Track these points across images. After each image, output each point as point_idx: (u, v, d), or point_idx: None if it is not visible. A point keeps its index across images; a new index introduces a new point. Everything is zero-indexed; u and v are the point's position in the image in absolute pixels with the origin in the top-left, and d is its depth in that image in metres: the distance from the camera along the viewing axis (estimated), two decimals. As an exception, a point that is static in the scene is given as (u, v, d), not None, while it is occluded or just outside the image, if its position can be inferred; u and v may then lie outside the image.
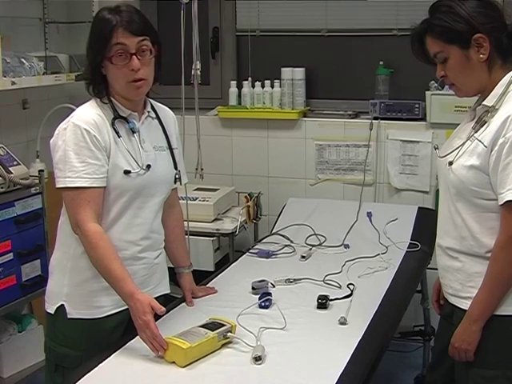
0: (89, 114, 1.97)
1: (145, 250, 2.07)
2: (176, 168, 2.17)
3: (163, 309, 1.88)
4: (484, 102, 1.81)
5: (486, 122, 1.78)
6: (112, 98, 2.02)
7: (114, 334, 2.03)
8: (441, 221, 1.94)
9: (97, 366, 1.82)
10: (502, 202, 1.72)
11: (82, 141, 1.92)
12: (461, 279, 1.86)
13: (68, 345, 2.02)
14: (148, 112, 2.12)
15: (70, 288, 2.02)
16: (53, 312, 2.05)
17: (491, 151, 1.74)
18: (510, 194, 1.70)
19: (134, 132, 2.03)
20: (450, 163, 1.84)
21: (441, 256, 1.93)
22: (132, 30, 1.93)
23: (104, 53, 1.93)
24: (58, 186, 1.93)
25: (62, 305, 2.02)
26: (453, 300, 1.91)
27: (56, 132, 1.98)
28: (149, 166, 2.02)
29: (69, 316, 2.01)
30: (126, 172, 1.97)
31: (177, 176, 2.17)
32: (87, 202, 1.91)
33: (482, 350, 1.83)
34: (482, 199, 1.78)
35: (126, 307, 1.92)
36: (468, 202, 1.81)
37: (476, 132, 1.80)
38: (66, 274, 2.02)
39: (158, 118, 2.17)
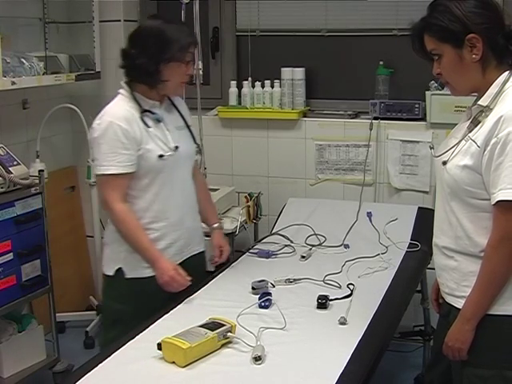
0: (119, 110, 2.30)
1: (184, 216, 2.43)
2: (195, 142, 2.52)
3: (187, 278, 2.28)
4: (479, 102, 1.81)
5: (480, 122, 1.78)
6: (135, 93, 2.34)
7: (159, 295, 2.31)
8: (437, 220, 1.94)
9: (97, 366, 1.82)
10: (493, 202, 1.72)
11: (114, 134, 2.25)
12: (456, 278, 1.86)
13: (124, 301, 2.34)
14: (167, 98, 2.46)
15: (126, 253, 2.35)
16: (112, 274, 2.37)
17: (484, 151, 1.74)
18: (501, 194, 1.70)
19: (159, 121, 2.37)
20: (444, 163, 1.84)
21: (437, 255, 1.94)
22: (195, 42, 2.45)
23: (179, 57, 2.29)
24: (96, 173, 2.33)
25: (120, 268, 2.35)
26: (449, 299, 1.92)
27: (91, 128, 2.34)
28: (177, 147, 2.36)
29: (126, 276, 2.35)
30: (160, 156, 2.31)
31: (197, 149, 2.54)
32: (116, 186, 2.27)
33: (477, 350, 1.83)
34: (475, 199, 1.78)
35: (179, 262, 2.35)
36: (462, 201, 1.81)
37: (470, 132, 1.80)
38: (123, 243, 2.34)
39: (170, 100, 2.48)
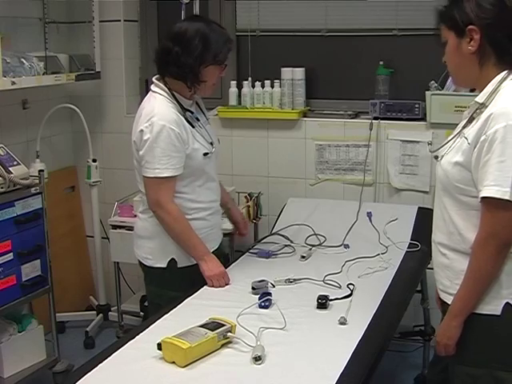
0: (168, 113, 2.38)
1: (218, 207, 2.64)
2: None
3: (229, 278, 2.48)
4: (476, 99, 1.83)
5: (474, 119, 1.80)
6: (174, 93, 2.43)
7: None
8: (434, 216, 1.96)
9: (97, 366, 1.82)
10: (479, 199, 1.74)
11: (168, 137, 2.34)
12: (449, 276, 1.88)
13: (178, 289, 2.43)
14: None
15: (176, 245, 2.47)
16: (165, 266, 2.49)
17: (474, 148, 1.75)
18: (485, 191, 1.71)
19: (198, 119, 2.51)
20: (436, 157, 1.88)
21: (434, 252, 1.96)
22: (232, 47, 2.52)
23: (218, 62, 2.41)
24: (147, 175, 2.39)
25: (173, 258, 2.47)
26: (443, 296, 1.94)
27: (139, 129, 2.39)
28: (212, 143, 2.52)
29: (179, 266, 2.48)
30: (205, 154, 2.46)
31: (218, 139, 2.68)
32: (169, 188, 2.39)
33: (468, 348, 1.85)
34: (465, 196, 1.80)
35: (213, 250, 2.53)
36: (453, 198, 1.83)
37: (465, 128, 1.82)
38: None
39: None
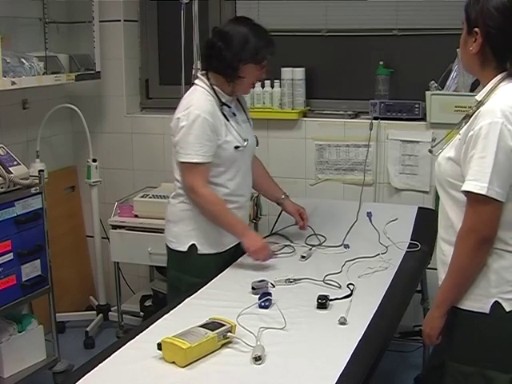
0: (205, 104, 2.52)
1: (247, 201, 2.77)
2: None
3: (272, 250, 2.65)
4: (475, 97, 1.87)
5: (470, 116, 1.83)
6: (214, 87, 2.57)
7: (225, 268, 2.58)
8: (439, 212, 2.02)
9: (97, 366, 1.82)
10: (463, 193, 1.79)
11: (201, 126, 2.47)
12: (446, 271, 1.90)
13: (198, 275, 2.54)
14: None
15: (198, 231, 2.61)
16: (185, 250, 2.61)
17: (463, 143, 1.80)
18: (465, 185, 1.77)
19: (234, 114, 2.64)
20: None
21: (437, 248, 2.00)
22: (274, 50, 2.61)
23: (257, 61, 2.54)
24: (181, 160, 2.52)
25: (194, 244, 2.60)
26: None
27: (177, 116, 2.52)
28: (246, 140, 2.62)
29: (199, 252, 2.60)
30: (236, 147, 2.58)
31: (257, 140, 2.84)
32: (200, 172, 2.52)
33: (458, 345, 1.89)
34: (457, 191, 1.84)
35: (237, 243, 2.65)
36: (447, 192, 1.89)
37: (461, 125, 1.87)
38: (194, 221, 2.60)
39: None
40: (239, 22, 2.65)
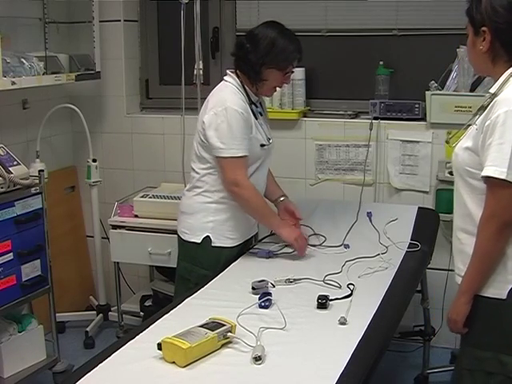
0: (238, 100, 2.59)
1: (263, 192, 2.84)
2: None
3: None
4: (489, 90, 1.94)
5: (485, 108, 1.90)
6: (245, 87, 2.65)
7: (234, 261, 2.65)
8: (454, 202, 2.06)
9: (97, 366, 1.82)
10: (483, 180, 1.85)
11: (241, 120, 2.55)
12: (463, 260, 1.97)
13: (209, 267, 2.61)
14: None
15: (214, 224, 2.66)
16: (199, 241, 2.66)
17: (481, 133, 1.86)
18: (485, 170, 1.82)
19: (261, 114, 2.73)
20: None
21: (453, 238, 2.06)
22: (301, 58, 2.69)
23: (281, 67, 2.61)
24: (224, 155, 2.56)
25: (208, 236, 2.64)
26: (457, 279, 2.03)
27: (212, 112, 2.56)
28: (270, 138, 2.73)
29: (213, 244, 2.65)
30: (262, 145, 2.67)
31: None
32: (243, 166, 2.60)
33: (475, 331, 1.95)
34: (475, 179, 1.90)
35: (246, 239, 2.80)
36: (465, 182, 1.94)
37: (476, 116, 1.94)
38: (211, 213, 2.66)
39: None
40: (270, 25, 2.67)
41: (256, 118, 2.66)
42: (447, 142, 2.12)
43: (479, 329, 1.94)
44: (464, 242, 1.97)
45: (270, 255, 2.74)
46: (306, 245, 2.73)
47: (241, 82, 2.64)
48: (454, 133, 2.15)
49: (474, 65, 2.05)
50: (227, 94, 2.61)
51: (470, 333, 1.98)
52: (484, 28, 1.87)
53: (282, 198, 2.95)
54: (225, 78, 2.69)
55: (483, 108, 1.91)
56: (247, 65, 2.61)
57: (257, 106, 2.71)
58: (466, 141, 1.94)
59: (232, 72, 2.68)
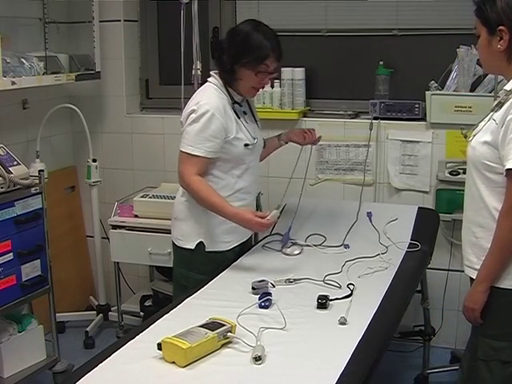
0: (215, 101, 2.54)
1: (254, 200, 2.81)
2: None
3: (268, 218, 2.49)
4: (505, 87, 1.98)
5: (503, 104, 1.94)
6: (228, 88, 2.60)
7: (230, 264, 2.62)
8: (465, 196, 2.11)
9: (97, 366, 1.82)
10: (504, 172, 1.89)
11: (208, 121, 2.49)
12: (476, 253, 2.02)
13: (204, 272, 2.57)
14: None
15: (206, 229, 2.63)
16: (193, 247, 2.63)
17: (501, 127, 1.90)
18: (508, 163, 1.87)
19: (245, 113, 2.68)
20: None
21: (463, 230, 2.11)
22: (278, 57, 2.57)
23: (252, 65, 2.52)
24: (181, 149, 2.54)
25: (201, 241, 2.62)
26: (468, 271, 2.09)
27: (190, 109, 2.53)
28: (255, 138, 2.66)
29: (207, 249, 2.63)
30: (246, 145, 2.61)
31: (264, 141, 2.87)
32: (195, 164, 2.52)
33: (492, 321, 2.01)
34: (493, 173, 1.95)
35: (242, 242, 2.73)
36: (482, 175, 1.98)
37: (493, 112, 1.98)
38: (204, 219, 2.61)
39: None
40: (246, 23, 2.62)
41: (239, 118, 2.62)
42: (465, 137, 2.13)
43: (495, 320, 2.00)
44: (478, 235, 2.01)
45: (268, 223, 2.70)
46: (269, 225, 2.55)
47: (223, 82, 2.61)
48: (474, 127, 2.14)
49: (487, 64, 2.07)
50: (204, 95, 2.57)
51: (485, 324, 2.03)
52: (501, 27, 1.89)
53: (280, 134, 2.95)
54: (208, 79, 2.67)
55: (500, 104, 1.95)
56: (220, 63, 2.59)
57: (241, 106, 2.66)
58: (483, 135, 1.98)
59: (215, 73, 2.65)
